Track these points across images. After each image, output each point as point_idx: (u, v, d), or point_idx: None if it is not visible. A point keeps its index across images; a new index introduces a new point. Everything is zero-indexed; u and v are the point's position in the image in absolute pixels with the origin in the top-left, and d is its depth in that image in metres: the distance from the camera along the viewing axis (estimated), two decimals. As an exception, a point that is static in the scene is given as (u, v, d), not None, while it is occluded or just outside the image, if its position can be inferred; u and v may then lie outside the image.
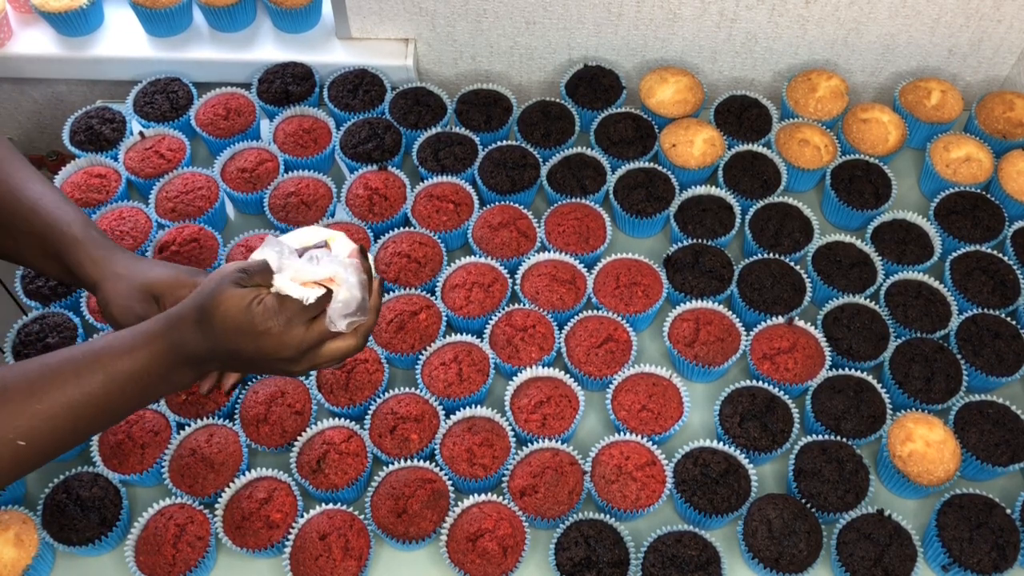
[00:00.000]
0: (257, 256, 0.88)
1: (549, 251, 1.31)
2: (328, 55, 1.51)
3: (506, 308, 1.25)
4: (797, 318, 1.24)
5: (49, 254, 1.03)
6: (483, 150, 1.41)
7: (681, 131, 1.40)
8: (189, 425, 1.16)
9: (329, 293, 0.84)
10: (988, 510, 1.09)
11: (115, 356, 0.83)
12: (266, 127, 1.50)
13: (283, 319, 0.83)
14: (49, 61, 1.54)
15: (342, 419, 1.17)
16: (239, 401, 1.18)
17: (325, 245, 0.89)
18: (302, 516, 1.09)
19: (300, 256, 0.86)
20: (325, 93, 1.48)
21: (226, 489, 1.11)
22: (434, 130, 1.43)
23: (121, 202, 1.36)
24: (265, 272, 0.84)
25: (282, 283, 0.83)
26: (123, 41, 1.54)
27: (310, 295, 0.83)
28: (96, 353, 0.83)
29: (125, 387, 0.83)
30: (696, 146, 1.38)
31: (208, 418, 1.16)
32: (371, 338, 1.22)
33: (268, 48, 1.53)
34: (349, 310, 0.85)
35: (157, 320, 0.86)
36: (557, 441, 1.15)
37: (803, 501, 1.10)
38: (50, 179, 1.44)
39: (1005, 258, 1.30)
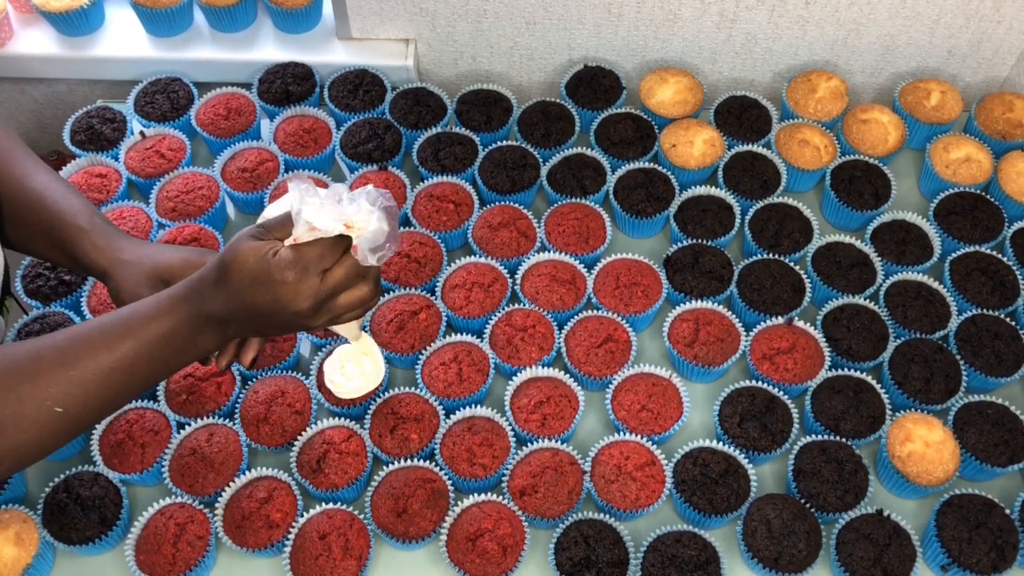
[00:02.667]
0: (278, 204, 0.89)
1: (549, 251, 1.31)
2: (328, 55, 1.52)
3: (506, 308, 1.25)
4: (797, 318, 1.24)
5: (56, 243, 1.04)
6: (483, 150, 1.41)
7: (681, 131, 1.40)
8: (189, 424, 1.16)
9: (348, 238, 0.84)
10: (987, 510, 1.09)
11: (142, 321, 0.85)
12: (266, 127, 1.50)
13: (299, 269, 0.82)
14: (50, 61, 1.54)
15: (342, 419, 1.17)
16: (239, 401, 1.18)
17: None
18: (302, 516, 1.10)
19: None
20: (325, 93, 1.48)
21: (226, 489, 1.11)
22: (434, 130, 1.43)
23: (122, 202, 1.36)
24: (282, 227, 0.84)
25: (310, 214, 0.82)
26: (124, 41, 1.54)
27: (333, 228, 0.82)
28: (125, 319, 0.85)
29: (154, 352, 0.85)
30: (696, 146, 1.38)
31: (208, 418, 1.17)
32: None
33: (269, 48, 1.53)
34: (378, 242, 0.84)
35: (181, 284, 0.87)
36: (557, 441, 1.15)
37: (802, 501, 1.10)
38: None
39: (1004, 259, 1.30)
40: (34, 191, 1.04)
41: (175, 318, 0.85)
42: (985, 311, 1.26)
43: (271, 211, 0.90)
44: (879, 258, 1.31)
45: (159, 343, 0.85)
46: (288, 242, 0.84)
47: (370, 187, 0.85)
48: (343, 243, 0.84)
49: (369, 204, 0.84)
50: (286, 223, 0.84)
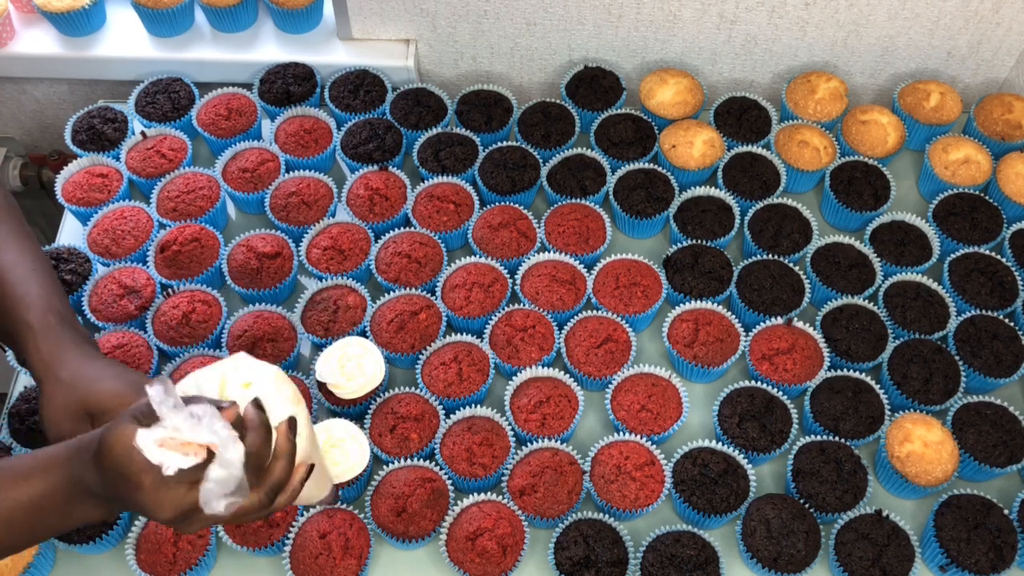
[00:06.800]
0: (200, 374, 0.79)
1: (549, 251, 1.31)
2: (329, 56, 1.52)
3: (506, 308, 1.26)
4: (796, 319, 1.24)
5: (4, 330, 0.96)
6: (483, 151, 1.41)
7: (681, 132, 1.40)
8: (190, 424, 1.16)
9: (207, 460, 0.72)
10: (986, 511, 1.09)
11: (10, 481, 0.76)
12: (267, 127, 1.50)
13: (158, 475, 0.71)
14: (51, 61, 1.54)
15: (342, 418, 1.17)
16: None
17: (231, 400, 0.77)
18: (302, 515, 1.10)
19: (190, 404, 0.72)
20: (326, 93, 1.48)
21: (227, 488, 1.11)
22: (435, 131, 1.43)
23: (123, 201, 1.36)
24: None
25: (142, 440, 0.70)
26: (125, 41, 1.54)
27: (171, 463, 0.70)
28: None
29: (14, 516, 0.76)
30: (696, 147, 1.39)
31: (209, 417, 1.17)
32: (371, 337, 1.23)
33: (269, 48, 1.53)
34: (227, 490, 0.72)
35: (65, 445, 0.78)
36: (556, 441, 1.15)
37: (801, 501, 1.11)
38: (53, 175, 1.42)
39: (1003, 260, 1.31)
40: None
41: (48, 482, 0.76)
42: (984, 312, 1.26)
43: (189, 382, 0.78)
44: (878, 259, 1.31)
45: (25, 507, 0.75)
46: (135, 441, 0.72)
47: (224, 427, 0.72)
48: (206, 462, 0.73)
49: (221, 446, 0.71)
50: None
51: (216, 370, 0.78)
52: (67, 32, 1.54)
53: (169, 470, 0.70)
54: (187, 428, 0.71)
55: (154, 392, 0.71)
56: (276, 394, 0.78)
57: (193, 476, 0.72)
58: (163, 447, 0.71)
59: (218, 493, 0.72)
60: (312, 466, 0.81)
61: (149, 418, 0.73)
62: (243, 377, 0.78)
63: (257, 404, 0.76)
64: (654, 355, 1.28)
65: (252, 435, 0.75)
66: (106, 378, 0.92)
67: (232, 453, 0.72)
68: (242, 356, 0.80)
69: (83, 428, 0.90)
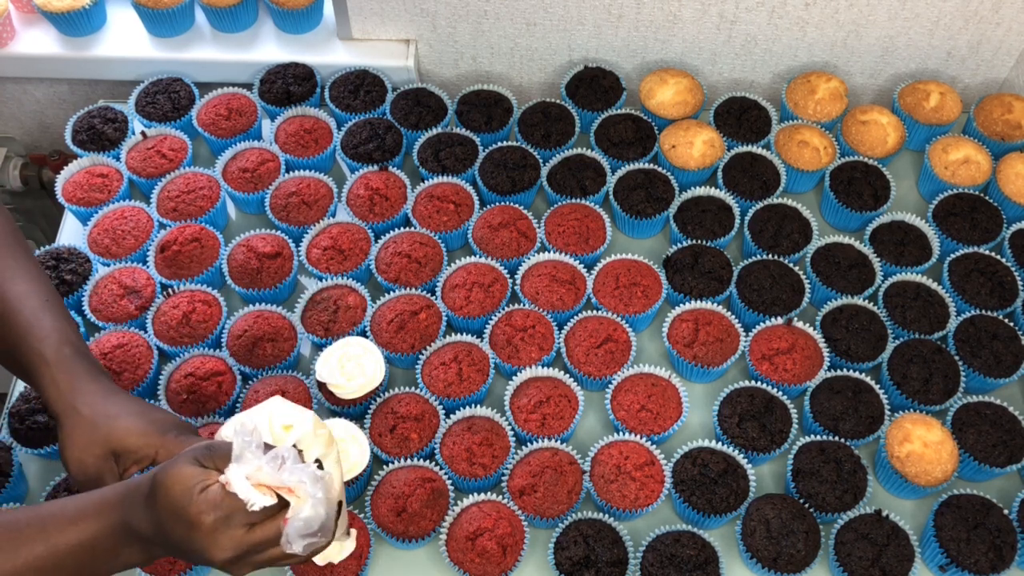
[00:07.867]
0: (252, 412, 0.82)
1: (549, 251, 1.31)
2: (329, 56, 1.52)
3: (506, 308, 1.26)
4: (796, 319, 1.25)
5: (18, 364, 0.94)
6: (484, 151, 1.41)
7: (681, 132, 1.40)
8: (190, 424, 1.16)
9: (282, 505, 0.75)
10: (985, 511, 1.09)
11: (61, 525, 0.76)
12: (267, 127, 1.51)
13: (220, 515, 0.73)
14: (52, 61, 1.54)
15: (342, 418, 1.17)
16: (240, 401, 1.18)
17: (295, 444, 0.79)
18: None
19: (266, 450, 0.76)
20: (326, 93, 1.48)
21: (227, 488, 1.11)
22: (435, 131, 1.44)
23: (123, 202, 1.36)
24: (227, 457, 0.76)
25: (233, 476, 0.74)
26: (125, 41, 1.54)
27: (257, 500, 0.73)
28: (41, 520, 0.76)
29: (65, 561, 0.76)
30: (696, 147, 1.39)
31: (209, 417, 1.17)
32: (371, 337, 1.23)
33: (270, 48, 1.53)
34: (311, 530, 0.75)
35: (113, 488, 0.79)
36: (556, 441, 1.15)
37: (801, 501, 1.11)
38: (54, 175, 1.42)
39: (1003, 260, 1.31)
40: (7, 301, 0.93)
41: (99, 525, 0.76)
42: (984, 312, 1.26)
43: (236, 421, 0.81)
44: (878, 259, 1.31)
45: (75, 552, 0.76)
46: (224, 478, 0.75)
47: (314, 468, 0.76)
48: (281, 507, 0.76)
49: (311, 486, 0.75)
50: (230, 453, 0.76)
51: (260, 413, 0.81)
52: (67, 32, 1.54)
53: (255, 506, 0.73)
54: (271, 469, 0.74)
55: (239, 434, 0.74)
56: (315, 438, 0.80)
57: (265, 516, 0.74)
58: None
59: (303, 531, 0.75)
60: (341, 503, 0.82)
61: (210, 460, 0.76)
62: (283, 420, 0.81)
63: (298, 447, 0.79)
64: (654, 355, 1.28)
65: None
66: (128, 415, 0.91)
67: (320, 493, 0.75)
68: (279, 399, 0.83)
69: (108, 466, 0.90)
